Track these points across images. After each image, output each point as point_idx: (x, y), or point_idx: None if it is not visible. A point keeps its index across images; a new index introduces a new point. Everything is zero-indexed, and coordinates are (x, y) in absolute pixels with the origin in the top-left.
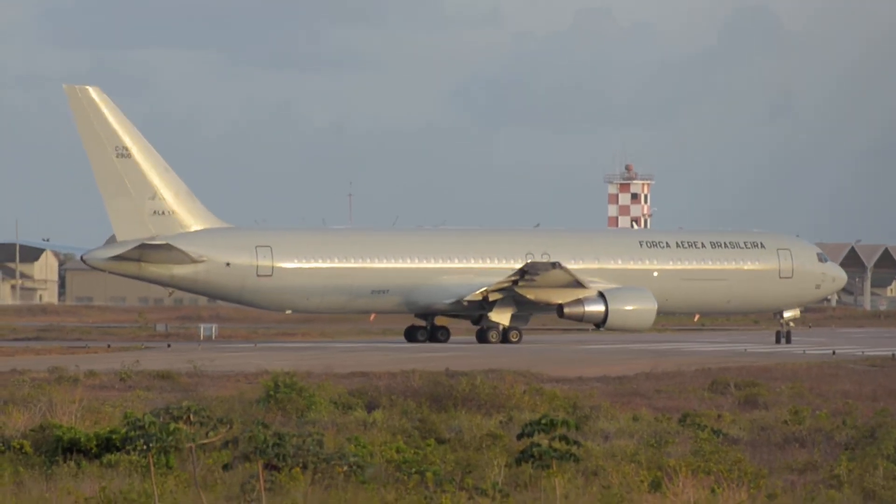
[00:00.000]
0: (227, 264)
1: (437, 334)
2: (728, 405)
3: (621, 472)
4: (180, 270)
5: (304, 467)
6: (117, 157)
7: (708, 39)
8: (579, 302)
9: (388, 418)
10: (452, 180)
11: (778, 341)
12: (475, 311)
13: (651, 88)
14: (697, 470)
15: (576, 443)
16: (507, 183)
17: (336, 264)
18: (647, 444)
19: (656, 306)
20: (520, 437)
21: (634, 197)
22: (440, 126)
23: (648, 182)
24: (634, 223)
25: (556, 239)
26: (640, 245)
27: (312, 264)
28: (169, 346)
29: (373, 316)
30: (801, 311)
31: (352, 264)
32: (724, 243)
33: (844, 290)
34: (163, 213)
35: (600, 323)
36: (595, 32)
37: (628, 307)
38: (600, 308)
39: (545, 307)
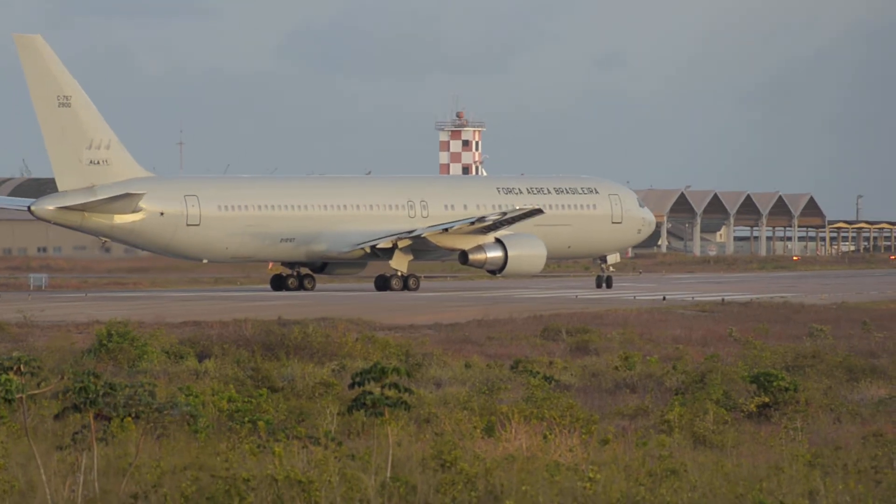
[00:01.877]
0: (161, 213)
1: (303, 282)
2: (559, 351)
3: (454, 418)
4: (120, 220)
5: (136, 417)
6: (59, 105)
7: None
8: (481, 248)
9: (220, 367)
10: (283, 128)
11: (599, 286)
12: (370, 259)
13: (483, 36)
14: (530, 416)
15: (408, 390)
16: (339, 130)
17: (255, 213)
18: (479, 390)
19: (546, 252)
20: (352, 385)
21: (466, 144)
22: (271, 74)
23: (480, 129)
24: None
25: (429, 186)
26: (498, 191)
27: (235, 213)
28: None
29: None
30: (619, 257)
31: (268, 213)
32: (565, 189)
33: (674, 235)
34: (98, 162)
35: (499, 269)
36: None
37: (524, 253)
38: (500, 254)
39: (448, 253)
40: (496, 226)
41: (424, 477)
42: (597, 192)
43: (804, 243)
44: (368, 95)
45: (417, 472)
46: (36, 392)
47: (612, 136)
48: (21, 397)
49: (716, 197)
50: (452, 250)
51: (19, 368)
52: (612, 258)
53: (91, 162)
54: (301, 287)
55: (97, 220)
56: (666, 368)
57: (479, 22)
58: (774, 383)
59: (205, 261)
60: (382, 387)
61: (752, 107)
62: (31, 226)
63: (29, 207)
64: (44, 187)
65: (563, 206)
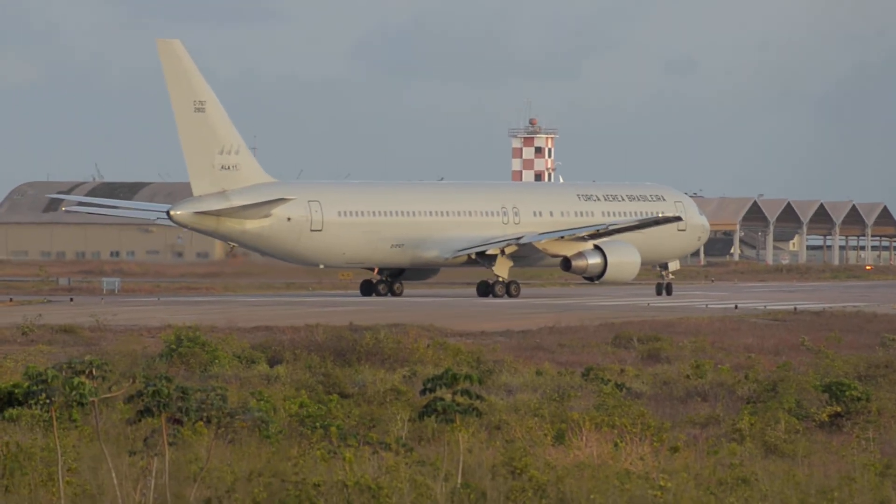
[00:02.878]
0: (288, 219)
1: (392, 288)
2: (631, 359)
3: (525, 426)
4: (252, 225)
5: (208, 422)
6: (195, 110)
7: None
8: (582, 255)
9: (292, 373)
10: (355, 133)
11: (659, 293)
12: (469, 265)
13: (556, 42)
14: (601, 424)
15: (479, 397)
16: (410, 136)
17: (370, 219)
18: (550, 398)
19: (640, 259)
20: (423, 391)
21: (538, 151)
22: (345, 78)
23: (552, 136)
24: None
25: (518, 193)
26: (579, 198)
27: (353, 219)
28: (71, 300)
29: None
30: (679, 264)
31: (381, 219)
32: (637, 196)
33: (746, 243)
34: (229, 167)
35: (597, 276)
36: None
37: (623, 260)
38: (600, 261)
39: (542, 259)
40: (598, 234)
41: (495, 484)
42: (664, 200)
43: (877, 252)
44: (440, 101)
45: (488, 479)
46: (108, 396)
47: (685, 142)
48: (93, 401)
49: (789, 206)
50: (556, 256)
51: (91, 372)
52: (673, 265)
53: (223, 167)
54: (391, 293)
55: (231, 225)
56: (737, 377)
57: (551, 27)
58: (846, 393)
59: (322, 266)
60: (454, 393)
61: (826, 114)
62: (103, 230)
63: (168, 212)
64: (117, 191)
65: (635, 213)
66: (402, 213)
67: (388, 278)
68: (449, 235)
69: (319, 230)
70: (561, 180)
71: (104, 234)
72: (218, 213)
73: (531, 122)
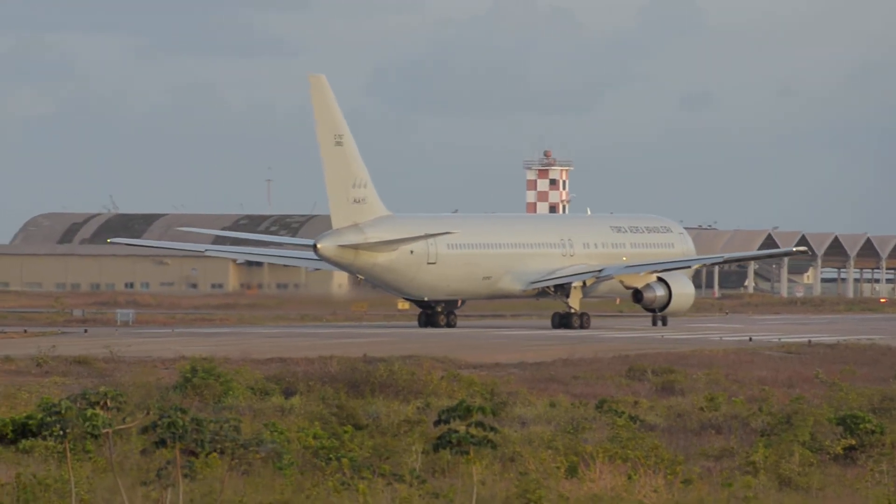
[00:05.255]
0: (411, 252)
1: (449, 320)
2: (645, 392)
3: (538, 458)
4: (383, 259)
5: (222, 453)
6: (335, 144)
7: (628, 25)
8: (650, 287)
9: (306, 404)
10: (372, 165)
11: (655, 324)
12: (545, 297)
13: (571, 74)
14: (614, 456)
15: (493, 429)
16: (426, 168)
17: (470, 251)
18: (563, 430)
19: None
20: (437, 423)
21: (553, 183)
22: (360, 111)
23: (567, 168)
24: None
25: (570, 226)
26: (611, 230)
27: (458, 251)
28: (86, 331)
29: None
30: None
31: (478, 251)
32: (651, 228)
33: (761, 276)
34: (358, 200)
35: (661, 308)
36: (515, 17)
37: (685, 291)
38: (665, 293)
39: (621, 292)
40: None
41: None
42: (671, 231)
43: (892, 285)
44: (455, 134)
45: None
46: (122, 427)
47: (699, 175)
48: (107, 432)
49: (803, 238)
50: (629, 288)
51: (106, 403)
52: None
53: (355, 200)
54: (448, 325)
55: (366, 258)
56: (751, 409)
57: (566, 60)
58: (861, 426)
59: (426, 298)
60: (468, 425)
61: (840, 147)
62: (117, 261)
63: (314, 246)
64: (132, 223)
65: (654, 244)
66: (493, 245)
67: (447, 309)
68: (527, 268)
69: (434, 263)
70: (588, 212)
71: (119, 266)
72: (356, 247)
73: (546, 154)
